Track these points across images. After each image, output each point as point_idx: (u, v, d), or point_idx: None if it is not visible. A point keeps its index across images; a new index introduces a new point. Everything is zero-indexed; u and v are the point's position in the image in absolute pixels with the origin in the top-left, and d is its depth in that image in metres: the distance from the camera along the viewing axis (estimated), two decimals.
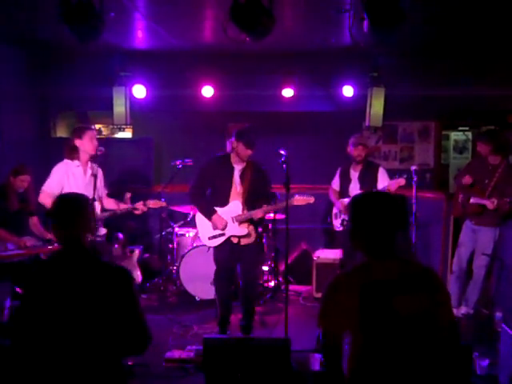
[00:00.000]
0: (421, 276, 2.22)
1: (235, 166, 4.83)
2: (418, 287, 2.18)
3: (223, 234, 4.83)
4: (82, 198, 2.61)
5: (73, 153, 4.79)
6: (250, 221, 4.88)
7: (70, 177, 4.77)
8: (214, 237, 4.85)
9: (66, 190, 4.68)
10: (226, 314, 5.02)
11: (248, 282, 4.99)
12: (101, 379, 2.33)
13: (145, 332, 2.39)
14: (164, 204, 5.20)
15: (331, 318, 2.22)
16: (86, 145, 4.77)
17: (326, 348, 2.23)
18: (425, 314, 2.17)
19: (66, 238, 2.46)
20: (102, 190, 5.00)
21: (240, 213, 4.81)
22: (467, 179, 5.34)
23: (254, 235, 4.94)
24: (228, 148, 5.03)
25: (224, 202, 4.82)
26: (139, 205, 4.95)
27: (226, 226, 4.80)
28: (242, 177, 4.82)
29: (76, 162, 4.80)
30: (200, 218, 4.94)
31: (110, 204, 5.03)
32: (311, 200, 4.88)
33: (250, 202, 4.82)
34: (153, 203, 5.06)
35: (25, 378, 2.38)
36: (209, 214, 4.82)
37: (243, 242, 4.87)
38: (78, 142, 4.78)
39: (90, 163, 4.87)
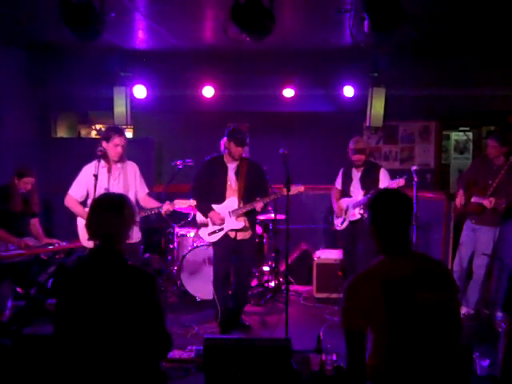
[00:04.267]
0: (437, 271, 2.29)
1: (229, 164, 5.01)
2: (436, 282, 2.24)
3: (222, 229, 4.99)
4: (119, 199, 2.52)
5: (101, 153, 4.64)
6: (247, 216, 5.03)
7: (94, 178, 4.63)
8: (214, 232, 5.03)
9: (90, 192, 4.63)
10: (226, 313, 5.07)
11: (241, 276, 5.17)
12: (133, 381, 2.33)
13: (166, 337, 2.40)
14: (194, 203, 4.93)
15: (354, 318, 2.23)
16: (109, 149, 4.65)
17: (350, 348, 2.22)
18: (444, 308, 2.22)
19: (98, 239, 2.44)
20: (134, 189, 4.84)
21: (236, 207, 4.96)
22: (460, 195, 5.43)
23: (250, 230, 5.09)
24: (222, 148, 5.12)
25: (221, 200, 5.00)
26: (166, 204, 4.76)
27: (223, 221, 4.95)
28: (236, 174, 5.00)
29: (102, 163, 4.64)
30: (200, 216, 5.13)
31: (151, 203, 4.86)
32: (301, 189, 4.95)
33: (246, 198, 4.97)
34: (181, 202, 4.87)
35: (63, 371, 2.38)
36: (205, 211, 5.00)
37: (240, 236, 5.02)
38: (104, 144, 4.65)
39: (119, 164, 4.75)
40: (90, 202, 4.62)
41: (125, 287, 2.34)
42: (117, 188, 4.62)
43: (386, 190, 2.52)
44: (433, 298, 2.20)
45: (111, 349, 2.31)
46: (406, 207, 2.33)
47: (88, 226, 2.50)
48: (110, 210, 2.45)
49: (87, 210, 4.59)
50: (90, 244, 4.66)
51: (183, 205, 4.93)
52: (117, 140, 4.64)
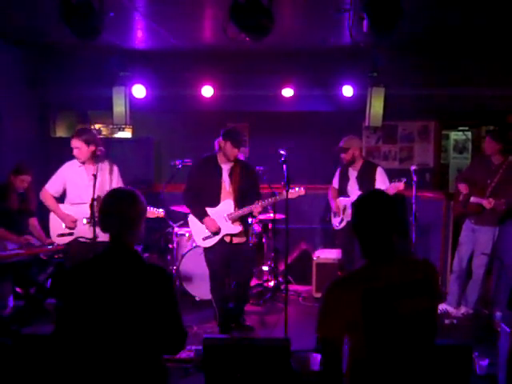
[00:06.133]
0: (421, 277, 2.21)
1: (223, 165, 4.89)
2: (419, 289, 2.17)
3: (217, 234, 4.88)
4: (129, 194, 2.47)
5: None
6: (242, 220, 4.94)
7: (71, 176, 4.75)
8: (209, 237, 4.92)
9: (69, 190, 4.76)
10: (225, 315, 5.04)
11: (240, 280, 5.05)
12: (141, 376, 2.34)
13: (182, 332, 2.41)
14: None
15: (331, 325, 2.15)
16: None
17: (325, 357, 2.15)
18: (425, 315, 2.18)
19: (110, 236, 2.42)
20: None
21: (232, 211, 4.86)
22: (463, 188, 5.38)
23: (245, 235, 5.00)
24: (216, 148, 5.04)
25: (215, 202, 4.88)
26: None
27: (219, 229, 4.85)
28: (230, 176, 4.89)
29: (77, 162, 4.75)
30: (193, 220, 5.00)
31: None
32: (302, 192, 4.94)
33: (241, 200, 4.87)
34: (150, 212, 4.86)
35: (67, 373, 2.37)
36: (201, 216, 4.88)
37: (235, 240, 4.93)
38: None
39: (98, 164, 4.68)
40: (69, 199, 4.80)
41: (142, 284, 2.33)
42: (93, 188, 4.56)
43: (370, 193, 2.42)
44: (414, 306, 2.14)
45: (123, 346, 2.31)
46: (389, 211, 2.20)
47: (101, 224, 2.48)
48: (120, 207, 2.42)
49: (62, 205, 4.78)
50: (60, 240, 4.80)
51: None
52: (73, 141, 4.72)
